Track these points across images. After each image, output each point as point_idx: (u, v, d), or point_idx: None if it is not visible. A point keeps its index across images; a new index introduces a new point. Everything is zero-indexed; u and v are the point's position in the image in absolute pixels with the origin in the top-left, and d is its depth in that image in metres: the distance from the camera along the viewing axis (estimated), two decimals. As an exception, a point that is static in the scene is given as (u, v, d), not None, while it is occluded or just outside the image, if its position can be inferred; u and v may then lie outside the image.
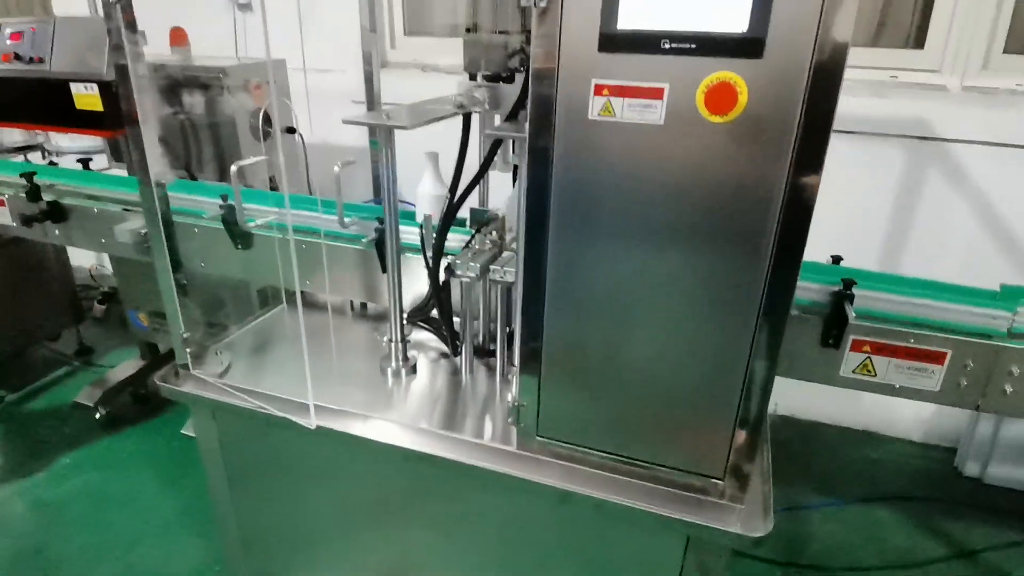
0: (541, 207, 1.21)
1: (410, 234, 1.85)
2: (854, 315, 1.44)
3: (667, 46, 1.02)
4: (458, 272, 1.60)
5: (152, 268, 1.71)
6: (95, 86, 2.45)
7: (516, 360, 1.41)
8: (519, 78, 1.58)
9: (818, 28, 0.95)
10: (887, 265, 2.90)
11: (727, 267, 1.13)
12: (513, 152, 1.56)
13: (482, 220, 1.75)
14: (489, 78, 1.59)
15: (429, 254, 1.74)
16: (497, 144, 1.49)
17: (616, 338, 1.26)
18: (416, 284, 1.98)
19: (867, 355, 1.55)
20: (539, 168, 1.18)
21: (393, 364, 1.75)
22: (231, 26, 3.57)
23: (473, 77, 1.61)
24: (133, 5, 1.46)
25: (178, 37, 2.91)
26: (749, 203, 1.08)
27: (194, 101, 2.71)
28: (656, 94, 1.06)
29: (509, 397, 1.53)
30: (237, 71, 2.69)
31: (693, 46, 1.01)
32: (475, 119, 1.64)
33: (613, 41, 1.05)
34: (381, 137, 1.48)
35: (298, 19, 3.12)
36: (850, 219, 2.80)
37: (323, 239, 1.89)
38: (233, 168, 1.67)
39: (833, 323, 1.51)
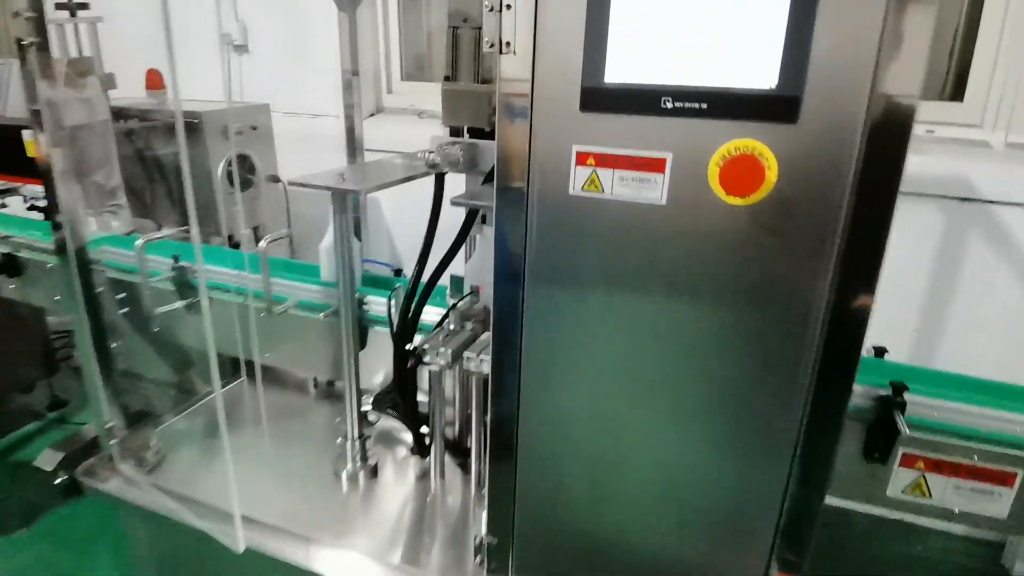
0: (512, 298, 0.95)
1: (381, 305, 1.60)
2: (907, 430, 1.16)
3: (669, 105, 0.78)
4: (426, 359, 1.34)
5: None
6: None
7: (484, 482, 1.15)
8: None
9: (873, 80, 0.70)
10: (924, 342, 2.61)
11: (751, 387, 0.87)
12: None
13: (460, 293, 1.51)
14: (471, 132, 1.36)
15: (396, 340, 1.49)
16: (473, 214, 1.25)
17: (609, 462, 0.99)
18: (387, 360, 1.73)
19: (920, 473, 1.27)
20: (507, 252, 0.93)
21: (349, 466, 1.48)
22: (233, 69, 3.43)
23: (456, 132, 1.39)
24: (50, 46, 1.25)
25: (154, 80, 2.74)
26: (779, 309, 0.82)
27: (165, 147, 2.51)
28: (656, 166, 0.81)
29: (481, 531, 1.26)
30: (214, 116, 2.50)
31: (704, 106, 0.77)
32: (454, 177, 1.41)
33: (599, 98, 0.81)
34: (335, 202, 1.25)
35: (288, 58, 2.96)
36: (882, 289, 2.52)
37: (286, 308, 1.65)
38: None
39: (879, 434, 1.23)
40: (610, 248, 0.87)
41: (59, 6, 2.47)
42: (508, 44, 0.82)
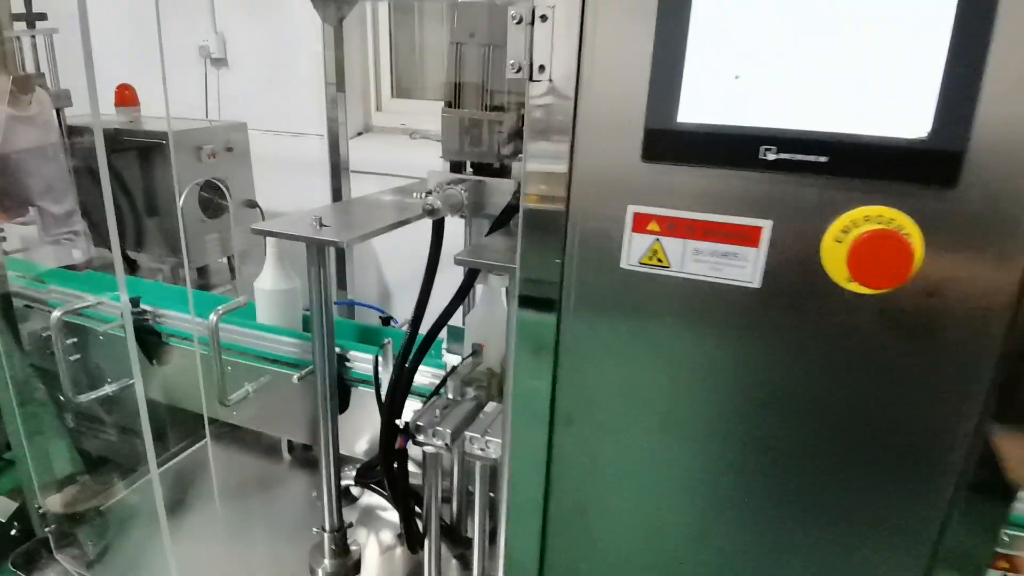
0: (536, 394, 0.73)
1: (365, 363, 1.37)
2: None
3: (771, 157, 0.56)
4: (420, 438, 1.11)
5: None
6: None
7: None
8: (517, 168, 1.13)
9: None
10: None
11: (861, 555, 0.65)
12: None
13: (459, 343, 1.29)
14: (477, 167, 1.14)
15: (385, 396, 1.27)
16: (476, 271, 1.03)
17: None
18: (372, 422, 1.50)
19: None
20: (532, 342, 0.71)
21: (327, 563, 1.24)
22: (212, 84, 3.19)
23: (457, 166, 1.17)
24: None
25: (126, 96, 2.50)
26: (906, 446, 0.60)
27: (131, 169, 2.27)
28: (747, 237, 0.59)
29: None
30: (185, 136, 2.26)
31: (822, 159, 0.55)
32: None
33: (669, 144, 0.59)
34: (310, 254, 1.02)
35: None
36: None
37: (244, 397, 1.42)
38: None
39: None
40: (675, 344, 0.65)
41: (16, 17, 2.24)
42: (542, 68, 0.60)
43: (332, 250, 1.05)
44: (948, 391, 0.58)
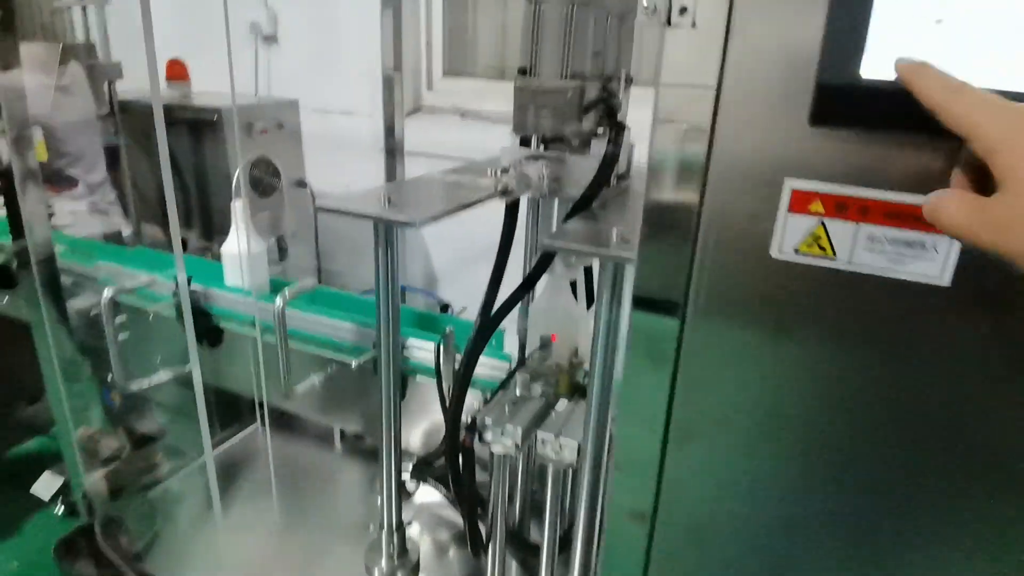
0: (649, 406, 0.62)
1: (424, 351, 1.29)
2: None
3: (985, 120, 0.44)
4: (487, 437, 1.02)
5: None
6: None
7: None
8: (597, 146, 1.02)
9: None
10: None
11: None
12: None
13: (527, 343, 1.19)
14: (547, 142, 1.04)
15: (446, 387, 1.18)
16: (549, 259, 0.93)
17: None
18: (429, 414, 1.42)
19: None
20: (649, 345, 0.60)
21: (384, 564, 1.16)
22: (263, 61, 3.13)
23: (526, 142, 1.06)
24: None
25: (176, 71, 2.46)
26: None
27: (181, 146, 2.22)
28: (938, 221, 0.47)
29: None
30: (236, 112, 2.20)
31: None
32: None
33: (848, 102, 0.47)
34: (378, 234, 0.93)
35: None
36: None
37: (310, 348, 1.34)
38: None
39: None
40: (831, 353, 0.53)
41: (67, -11, 2.21)
42: (684, 10, 0.49)
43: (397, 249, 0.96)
44: None
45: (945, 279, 0.49)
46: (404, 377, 1.33)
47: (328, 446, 1.52)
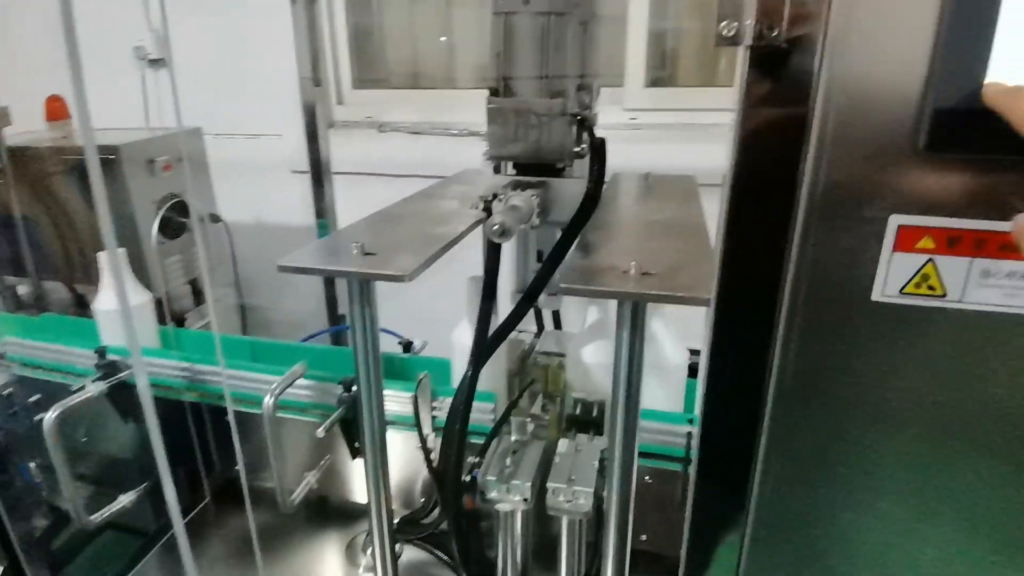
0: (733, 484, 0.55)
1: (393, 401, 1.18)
2: None
3: None
4: (491, 494, 0.94)
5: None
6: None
7: None
8: (579, 166, 0.95)
9: None
10: None
11: None
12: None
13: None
14: (522, 167, 0.95)
15: (428, 436, 1.09)
16: (535, 296, 0.85)
17: None
18: (402, 466, 1.31)
19: None
20: (722, 400, 0.53)
21: (386, 644, 1.05)
22: (148, 88, 2.85)
23: (497, 168, 0.97)
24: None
25: (56, 109, 2.19)
26: None
27: (70, 192, 1.98)
28: (1064, 250, 0.43)
29: None
30: (134, 148, 1.98)
31: None
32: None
33: (968, 128, 0.41)
34: (353, 292, 0.81)
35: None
36: None
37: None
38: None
39: None
40: (951, 404, 0.48)
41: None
42: (771, 29, 0.42)
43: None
44: None
45: (1068, 310, 0.44)
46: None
47: (288, 516, 1.38)
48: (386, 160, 2.54)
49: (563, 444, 1.01)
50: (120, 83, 2.76)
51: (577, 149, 0.93)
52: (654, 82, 2.41)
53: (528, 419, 1.05)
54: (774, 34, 0.41)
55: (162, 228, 2.05)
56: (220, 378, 1.17)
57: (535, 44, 0.86)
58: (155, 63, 2.78)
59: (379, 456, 0.93)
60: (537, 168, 0.93)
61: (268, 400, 1.00)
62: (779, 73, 0.43)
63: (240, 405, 1.18)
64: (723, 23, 0.42)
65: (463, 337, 1.11)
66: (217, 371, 1.21)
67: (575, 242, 0.87)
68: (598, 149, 0.91)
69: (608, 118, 2.35)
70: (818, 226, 0.46)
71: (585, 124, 0.92)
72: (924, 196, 0.44)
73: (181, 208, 2.11)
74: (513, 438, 1.03)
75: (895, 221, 0.44)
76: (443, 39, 2.76)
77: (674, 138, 2.26)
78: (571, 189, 0.93)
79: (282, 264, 0.77)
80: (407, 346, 1.34)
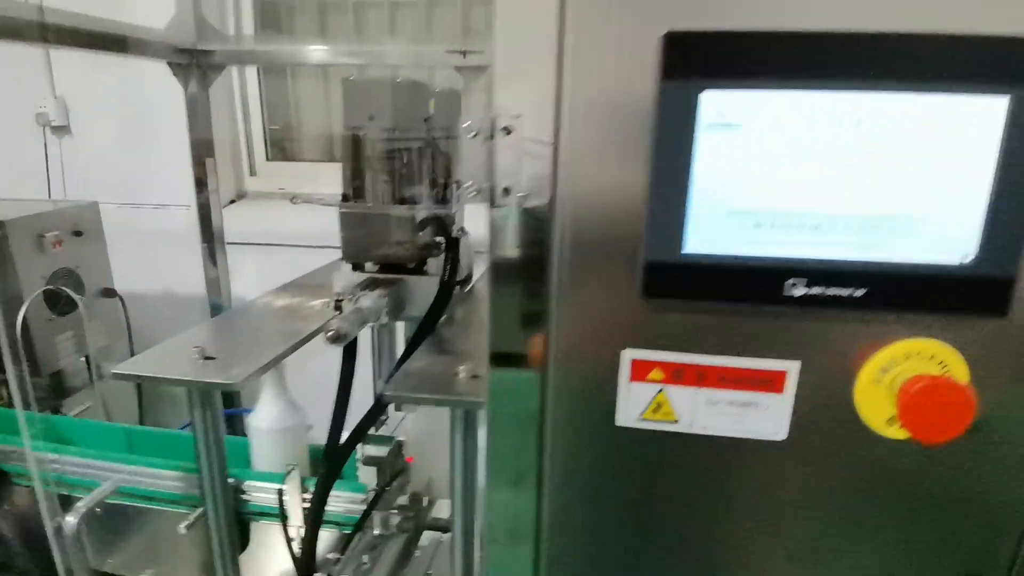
0: None
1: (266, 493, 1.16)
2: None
3: (798, 292, 0.46)
4: (346, 592, 0.94)
5: None
6: None
7: None
8: (434, 263, 1.00)
9: None
10: None
11: None
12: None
13: (382, 462, 1.12)
14: (388, 267, 1.00)
15: (295, 542, 1.07)
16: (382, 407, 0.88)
17: None
18: (281, 558, 1.28)
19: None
20: (506, 525, 0.57)
21: None
22: (55, 154, 2.79)
23: (359, 265, 1.01)
24: None
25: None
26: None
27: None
28: (770, 382, 0.49)
29: None
30: (22, 224, 1.94)
31: (858, 293, 0.46)
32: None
33: (674, 278, 0.48)
34: (192, 398, 0.82)
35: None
36: None
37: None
38: None
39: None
40: (690, 516, 0.53)
41: None
42: (507, 191, 0.48)
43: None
44: (1000, 531, 0.50)
45: (782, 433, 0.50)
46: (245, 523, 1.20)
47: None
48: (297, 231, 2.55)
49: (426, 538, 1.03)
50: (22, 148, 2.71)
51: (434, 248, 0.98)
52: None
53: (394, 512, 1.06)
54: (509, 198, 0.47)
55: (51, 304, 1.99)
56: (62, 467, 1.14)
57: (382, 156, 0.92)
58: (58, 130, 2.74)
59: (228, 556, 0.93)
60: (393, 266, 0.98)
61: (70, 519, 0.96)
62: (515, 235, 0.48)
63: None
64: (467, 184, 0.48)
65: (257, 420, 1.11)
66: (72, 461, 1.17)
67: (427, 339, 0.91)
68: (452, 246, 0.96)
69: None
70: (569, 359, 0.51)
71: (439, 224, 0.98)
72: (650, 334, 0.49)
73: (75, 283, 2.06)
74: (376, 532, 1.04)
75: (628, 355, 0.50)
76: (354, 116, 2.82)
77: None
78: (426, 287, 0.98)
79: (116, 371, 0.77)
80: (285, 432, 1.33)
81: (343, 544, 1.00)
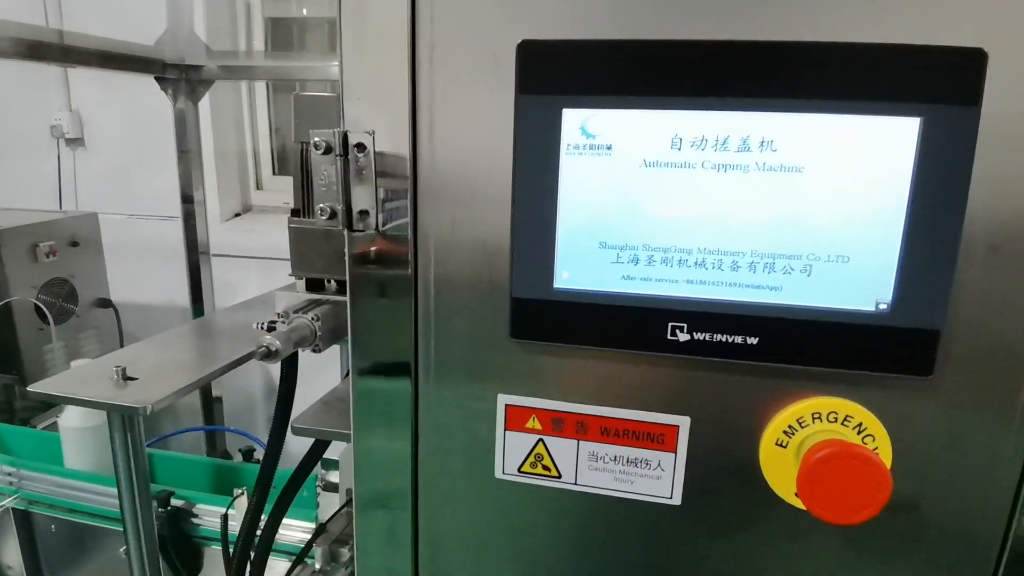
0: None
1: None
2: None
3: (682, 337, 0.40)
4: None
5: None
6: None
7: None
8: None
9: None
10: None
11: None
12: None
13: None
14: (340, 284, 0.95)
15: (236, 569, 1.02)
16: (323, 446, 0.83)
17: None
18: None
19: None
20: None
21: None
22: (68, 166, 2.84)
23: (316, 282, 0.97)
24: None
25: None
26: None
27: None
28: (659, 438, 0.43)
29: None
30: (15, 233, 1.95)
31: (752, 341, 0.40)
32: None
33: (545, 318, 0.42)
34: (112, 421, 0.78)
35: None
36: None
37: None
38: None
39: None
40: (578, 580, 0.47)
41: None
42: (364, 214, 0.43)
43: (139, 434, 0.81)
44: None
45: (675, 497, 0.44)
46: (197, 548, 1.16)
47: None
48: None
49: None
50: (38, 160, 2.75)
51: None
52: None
53: (342, 544, 1.01)
54: (368, 221, 0.42)
55: (42, 314, 1.99)
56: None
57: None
58: (72, 143, 2.78)
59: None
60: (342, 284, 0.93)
61: None
62: (376, 265, 0.43)
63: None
64: (319, 207, 0.43)
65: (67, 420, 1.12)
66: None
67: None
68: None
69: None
70: (441, 407, 0.46)
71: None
72: (525, 380, 0.44)
73: (69, 293, 2.06)
74: (317, 566, 0.98)
75: (503, 400, 0.44)
76: (359, 133, 2.82)
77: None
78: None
79: (32, 389, 0.74)
80: (247, 454, 1.29)
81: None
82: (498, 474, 0.46)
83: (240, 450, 1.32)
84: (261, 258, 2.56)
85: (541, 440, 0.44)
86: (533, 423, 0.44)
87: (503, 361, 0.43)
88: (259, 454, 1.43)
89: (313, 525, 1.10)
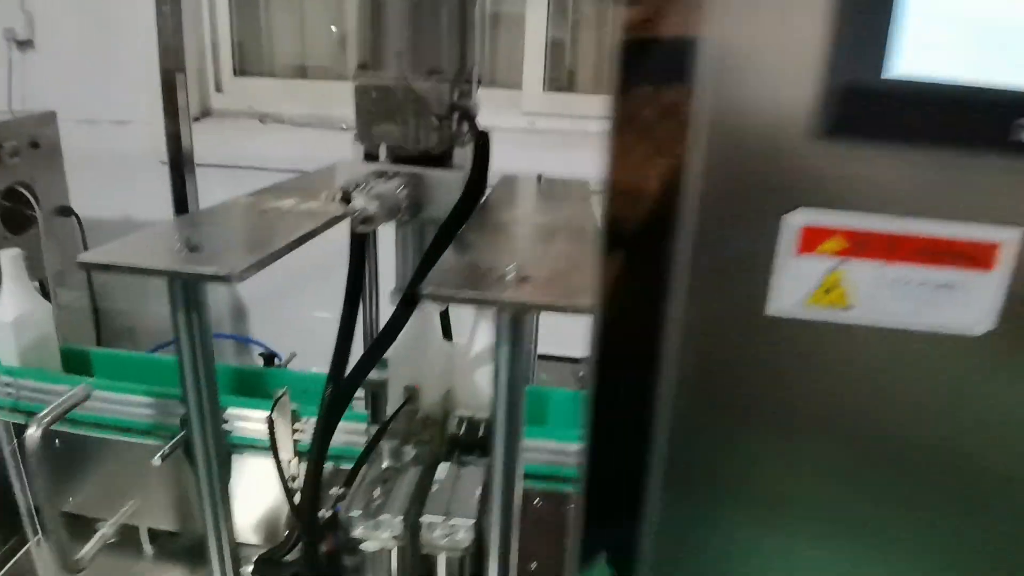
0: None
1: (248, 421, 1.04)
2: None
3: (1034, 132, 0.34)
4: (356, 532, 0.82)
5: None
6: None
7: None
8: (460, 154, 0.85)
9: None
10: None
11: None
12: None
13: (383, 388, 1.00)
14: (405, 159, 0.85)
15: (288, 476, 0.96)
16: (414, 302, 0.75)
17: None
18: (261, 495, 1.17)
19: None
20: (612, 434, 0.45)
21: None
22: (18, 69, 2.52)
23: (371, 154, 0.86)
24: None
25: None
26: None
27: None
28: (975, 257, 0.37)
29: None
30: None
31: None
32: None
33: (872, 110, 0.35)
34: (174, 294, 0.67)
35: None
36: None
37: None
38: None
39: None
40: (857, 422, 0.41)
41: None
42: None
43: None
44: None
45: (985, 325, 0.38)
46: (225, 451, 1.07)
47: (135, 551, 1.21)
48: (267, 153, 2.36)
49: (443, 470, 0.91)
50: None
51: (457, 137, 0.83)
52: (555, 86, 2.37)
53: (404, 442, 0.94)
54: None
55: (5, 220, 1.79)
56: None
57: (407, 15, 0.76)
58: (23, 44, 2.49)
59: (217, 487, 0.80)
60: (411, 157, 0.83)
61: (34, 431, 0.81)
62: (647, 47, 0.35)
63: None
64: None
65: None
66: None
67: (452, 242, 0.78)
68: (481, 136, 0.82)
69: (505, 120, 2.28)
70: (707, 227, 0.38)
71: (465, 110, 0.83)
72: (825, 192, 0.37)
73: (27, 199, 1.85)
74: (385, 464, 0.92)
75: (797, 219, 0.37)
76: (334, 28, 2.60)
77: (572, 144, 2.21)
78: (449, 182, 0.84)
79: (82, 259, 0.62)
80: (269, 358, 1.19)
81: (348, 478, 0.88)
82: (771, 311, 0.39)
83: (261, 354, 1.22)
84: (225, 166, 2.37)
85: (840, 265, 0.38)
86: (833, 243, 0.37)
87: (802, 168, 0.36)
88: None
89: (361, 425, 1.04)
